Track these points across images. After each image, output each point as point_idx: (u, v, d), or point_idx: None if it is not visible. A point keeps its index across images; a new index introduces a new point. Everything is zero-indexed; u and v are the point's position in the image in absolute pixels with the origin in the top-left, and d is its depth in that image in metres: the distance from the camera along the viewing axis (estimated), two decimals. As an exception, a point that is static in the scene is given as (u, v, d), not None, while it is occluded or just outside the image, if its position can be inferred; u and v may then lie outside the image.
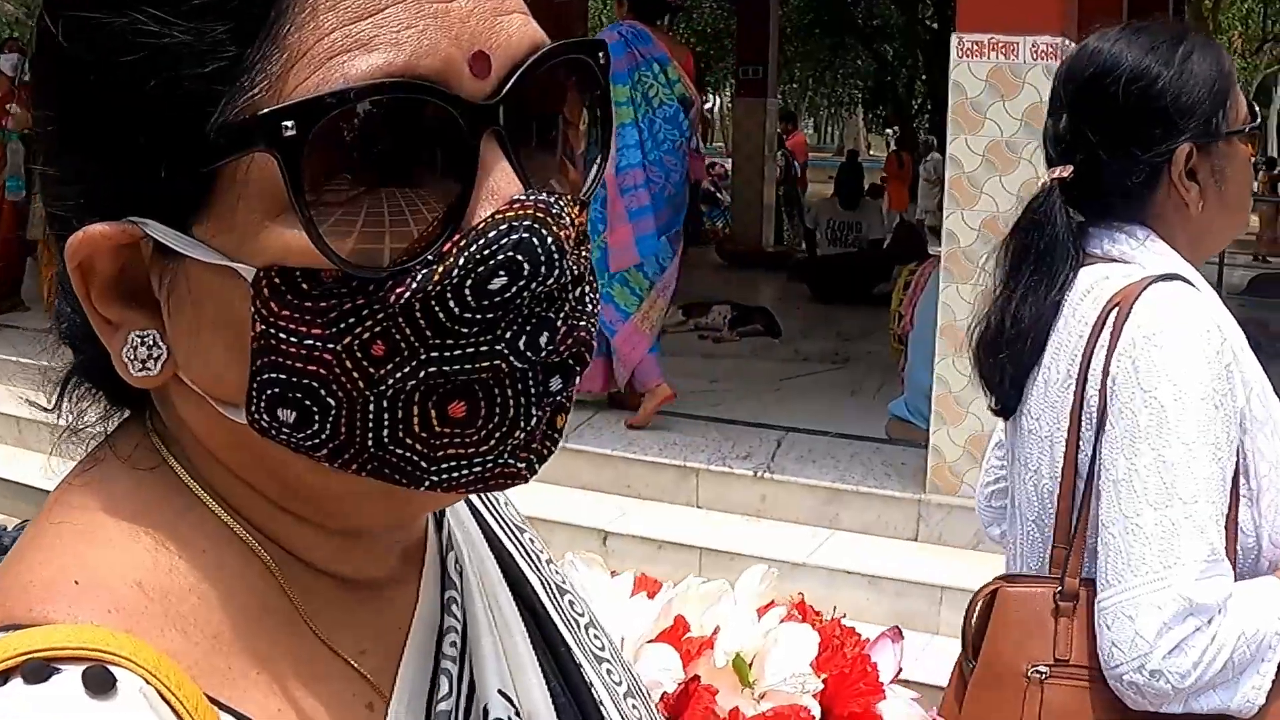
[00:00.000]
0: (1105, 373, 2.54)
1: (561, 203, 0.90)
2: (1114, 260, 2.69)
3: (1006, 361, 2.74)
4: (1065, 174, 2.71)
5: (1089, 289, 2.66)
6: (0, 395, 9.02)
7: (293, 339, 0.87)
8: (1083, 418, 2.59)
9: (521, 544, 1.26)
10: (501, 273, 0.86)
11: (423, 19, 0.87)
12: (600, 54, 0.99)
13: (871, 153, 44.59)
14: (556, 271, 0.88)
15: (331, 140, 0.84)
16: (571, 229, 0.90)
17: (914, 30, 35.78)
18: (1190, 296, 2.57)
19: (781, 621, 2.16)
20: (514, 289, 0.87)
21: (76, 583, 0.90)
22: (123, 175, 0.89)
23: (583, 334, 0.93)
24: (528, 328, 0.88)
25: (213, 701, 0.89)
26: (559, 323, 0.90)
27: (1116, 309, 2.56)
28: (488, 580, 1.14)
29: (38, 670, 0.83)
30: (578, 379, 0.95)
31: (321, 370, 0.87)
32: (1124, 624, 2.42)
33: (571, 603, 1.25)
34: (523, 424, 0.91)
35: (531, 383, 0.90)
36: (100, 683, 0.83)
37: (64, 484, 1.00)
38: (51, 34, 0.90)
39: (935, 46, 33.23)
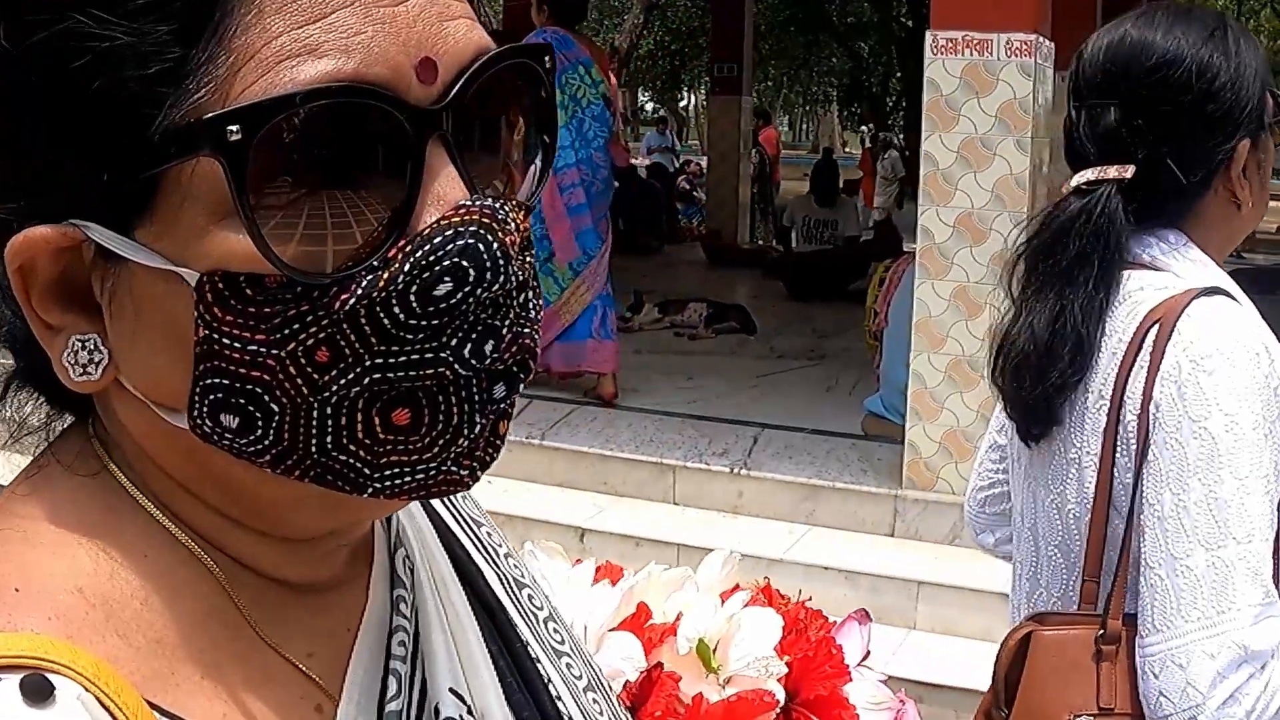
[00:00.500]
0: (1146, 397, 2.37)
1: (507, 208, 0.90)
2: (1144, 267, 2.51)
3: (1049, 385, 2.51)
4: (1127, 174, 2.48)
5: (1122, 300, 2.49)
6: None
7: (236, 344, 0.86)
8: (1118, 443, 2.42)
9: (479, 539, 1.25)
10: (447, 278, 0.86)
11: (371, 24, 0.86)
12: (546, 58, 0.98)
13: (847, 150, 44.51)
14: (502, 277, 0.88)
15: (277, 145, 0.83)
16: (516, 234, 0.90)
17: (889, 27, 35.75)
18: (1237, 315, 2.41)
19: (745, 606, 2.14)
20: (460, 295, 0.86)
21: (16, 590, 0.89)
22: (65, 178, 0.88)
23: (527, 341, 0.92)
24: (473, 335, 0.88)
25: (154, 707, 0.88)
26: (504, 330, 0.90)
27: (1158, 326, 2.39)
28: (440, 577, 1.13)
29: None
30: (521, 386, 0.94)
31: (265, 376, 0.86)
32: (1174, 672, 2.27)
33: (530, 597, 1.25)
34: (466, 431, 0.90)
35: (475, 390, 0.90)
36: (38, 691, 0.83)
37: (7, 491, 0.98)
38: None
39: (910, 43, 33.28)
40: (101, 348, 0.91)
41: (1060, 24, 7.97)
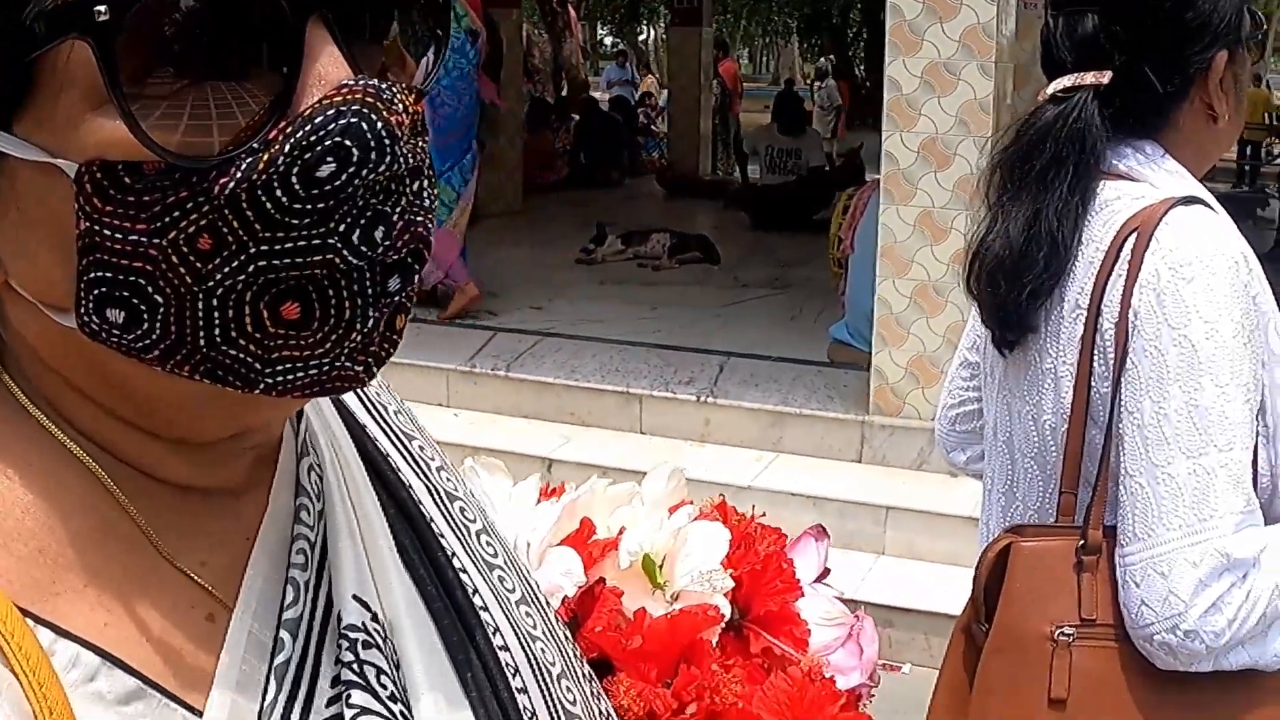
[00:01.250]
0: (1125, 305, 2.35)
1: (394, 89, 0.86)
2: (1121, 177, 2.50)
3: (1024, 290, 2.49)
4: (1104, 79, 2.47)
5: (1098, 209, 2.47)
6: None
7: (117, 235, 0.83)
8: (1095, 352, 2.41)
9: (410, 451, 1.22)
10: (330, 159, 0.82)
11: None
12: None
13: (808, 82, 44.39)
14: (389, 158, 0.85)
15: (151, 27, 0.80)
16: (405, 116, 0.87)
17: (848, -43, 35.69)
18: (1215, 223, 2.40)
19: (692, 520, 2.11)
20: (344, 176, 0.83)
21: None
22: None
23: (420, 230, 0.90)
24: (361, 220, 0.85)
25: (28, 615, 0.86)
26: (394, 216, 0.87)
27: (1135, 234, 2.37)
28: (354, 484, 1.10)
29: None
30: (416, 277, 0.91)
31: (148, 266, 0.83)
32: (1155, 581, 2.27)
33: (462, 509, 1.22)
34: (359, 326, 0.88)
35: (369, 282, 0.87)
36: None
37: None
38: None
39: (869, -27, 33.22)
40: None
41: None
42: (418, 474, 1.19)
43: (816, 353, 9.01)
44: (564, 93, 26.56)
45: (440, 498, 1.20)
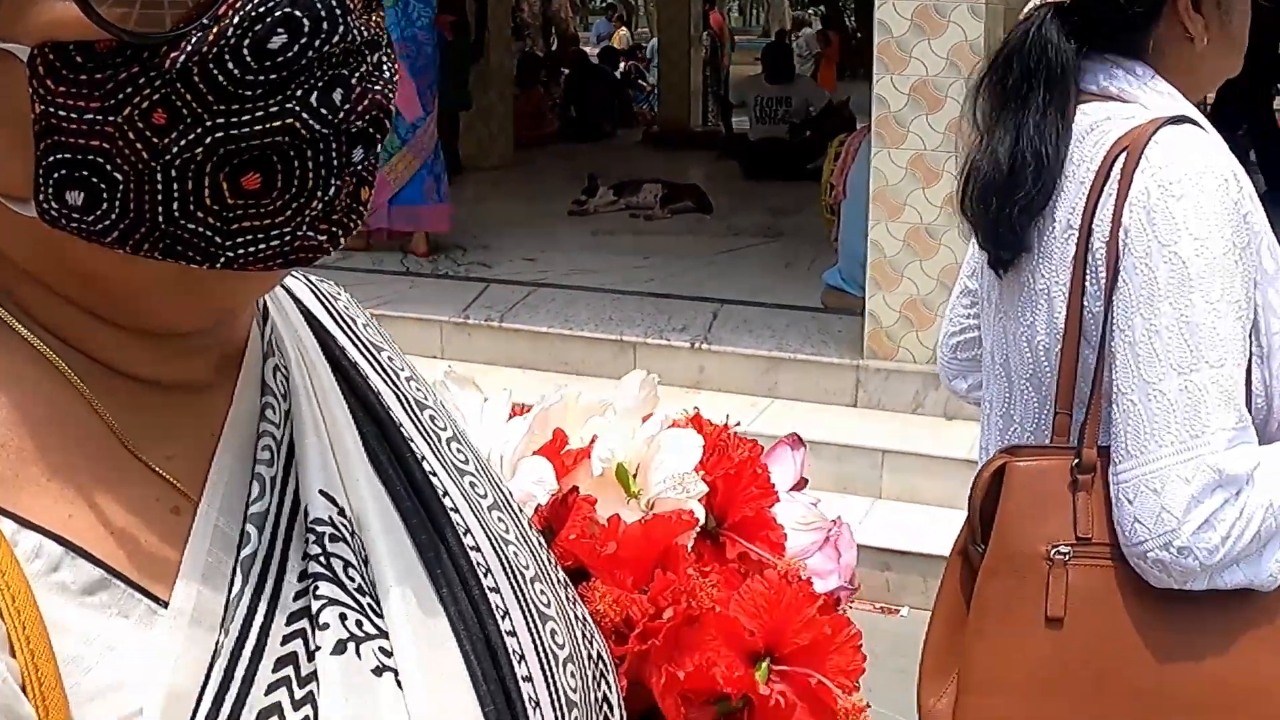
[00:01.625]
0: (1115, 223, 2.34)
1: None
2: (1112, 98, 2.50)
3: (1015, 206, 2.49)
4: None
5: (1089, 130, 2.47)
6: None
7: (73, 115, 0.84)
8: (1087, 271, 2.40)
9: (378, 361, 1.22)
10: (280, 30, 0.83)
11: None
12: None
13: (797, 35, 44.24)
14: (341, 27, 0.86)
15: None
16: None
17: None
18: (1203, 141, 2.39)
19: (665, 429, 2.11)
20: (296, 48, 0.84)
21: None
22: None
23: (379, 98, 0.91)
24: (319, 85, 0.86)
25: None
26: (353, 80, 0.88)
27: (1125, 154, 2.36)
28: (320, 387, 1.10)
29: None
30: (379, 148, 0.93)
31: (105, 145, 0.84)
32: (1148, 498, 2.26)
33: (433, 418, 1.22)
34: (320, 194, 0.88)
35: (333, 151, 0.88)
36: None
37: None
38: None
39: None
40: None
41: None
42: (386, 382, 1.20)
43: (810, 299, 9.02)
44: (553, 47, 26.52)
45: (410, 405, 1.20)
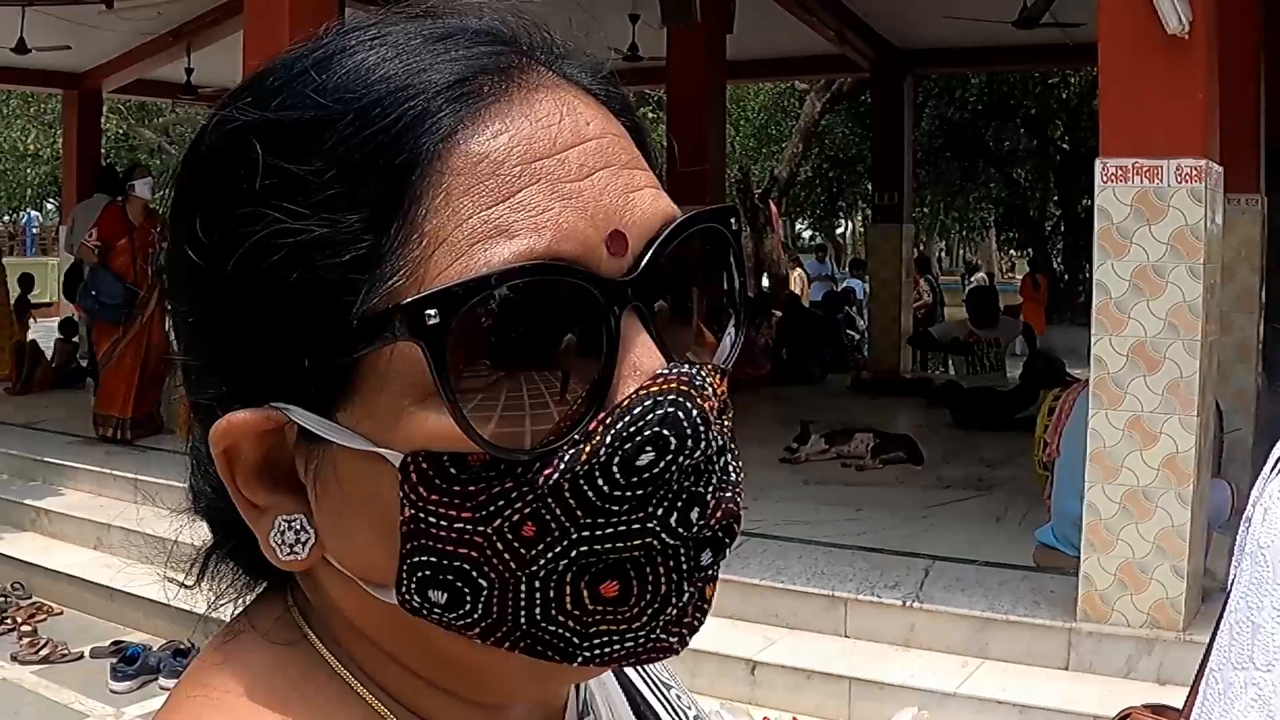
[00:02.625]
0: None
1: (704, 373, 0.89)
2: None
3: None
4: None
5: None
6: (149, 517, 9.03)
7: (443, 522, 0.86)
8: None
9: (669, 701, 1.24)
10: (649, 448, 0.85)
11: (558, 201, 0.87)
12: (731, 219, 0.99)
13: (1008, 275, 44.06)
14: (703, 443, 0.87)
15: (475, 326, 0.84)
16: (714, 399, 0.90)
17: (1045, 152, 35.65)
18: None
19: None
20: (662, 464, 0.86)
21: None
22: (265, 365, 0.89)
23: (730, 505, 0.91)
24: (678, 504, 0.87)
25: None
26: (708, 496, 0.89)
27: None
28: None
29: None
30: (728, 551, 0.93)
31: (473, 553, 0.86)
32: None
33: None
34: (675, 601, 0.90)
35: (684, 559, 0.89)
36: None
37: (200, 658, 0.99)
38: (182, 228, 0.93)
39: (1067, 169, 33.14)
40: (308, 528, 0.93)
41: (1227, 148, 7.92)
42: None
43: (1022, 556, 8.90)
44: (765, 287, 26.74)
45: None
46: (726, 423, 0.93)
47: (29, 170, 45.51)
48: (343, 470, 0.90)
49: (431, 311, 0.83)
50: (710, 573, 0.92)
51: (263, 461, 0.92)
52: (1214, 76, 7.52)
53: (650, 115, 28.94)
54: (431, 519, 0.86)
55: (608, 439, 0.86)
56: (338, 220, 0.86)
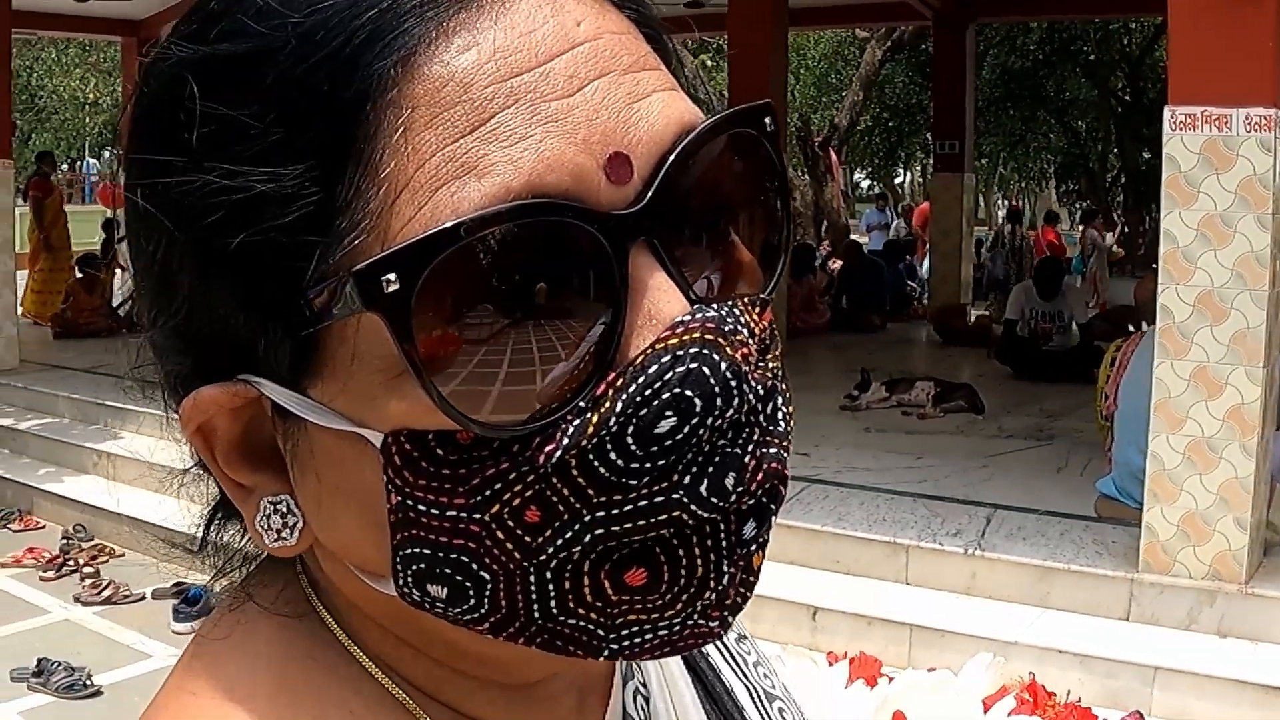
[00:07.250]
0: None
1: (736, 311, 0.77)
2: None
3: None
4: None
5: None
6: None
7: (434, 510, 0.75)
8: None
9: (729, 648, 1.15)
10: (669, 413, 0.73)
11: (540, 125, 0.73)
12: (766, 119, 0.84)
13: (1062, 227, 43.79)
14: (736, 400, 0.74)
15: (444, 287, 0.71)
16: (751, 342, 0.77)
17: (1107, 102, 35.39)
18: None
19: (1011, 714, 2.13)
20: (686, 429, 0.73)
21: None
22: (225, 338, 0.78)
23: (775, 465, 0.78)
24: (709, 469, 0.74)
25: None
26: (746, 457, 0.76)
27: None
28: (680, 704, 1.04)
29: None
30: (774, 517, 0.80)
31: (470, 543, 0.75)
32: None
33: (781, 710, 1.14)
34: (714, 584, 0.77)
35: (722, 534, 0.76)
36: None
37: (203, 631, 0.90)
38: (129, 184, 0.81)
39: (1128, 119, 32.91)
40: (295, 510, 0.82)
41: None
42: (737, 674, 1.14)
43: (1083, 506, 8.92)
44: (824, 235, 26.69)
45: (760, 699, 1.14)
46: (771, 363, 0.81)
47: (88, 119, 45.66)
48: (321, 451, 0.80)
49: (390, 276, 0.71)
50: (755, 545, 0.79)
51: (242, 437, 0.82)
52: (1284, 25, 7.46)
53: (709, 63, 28.92)
54: (421, 506, 0.75)
55: (619, 404, 0.73)
56: (279, 172, 0.73)
